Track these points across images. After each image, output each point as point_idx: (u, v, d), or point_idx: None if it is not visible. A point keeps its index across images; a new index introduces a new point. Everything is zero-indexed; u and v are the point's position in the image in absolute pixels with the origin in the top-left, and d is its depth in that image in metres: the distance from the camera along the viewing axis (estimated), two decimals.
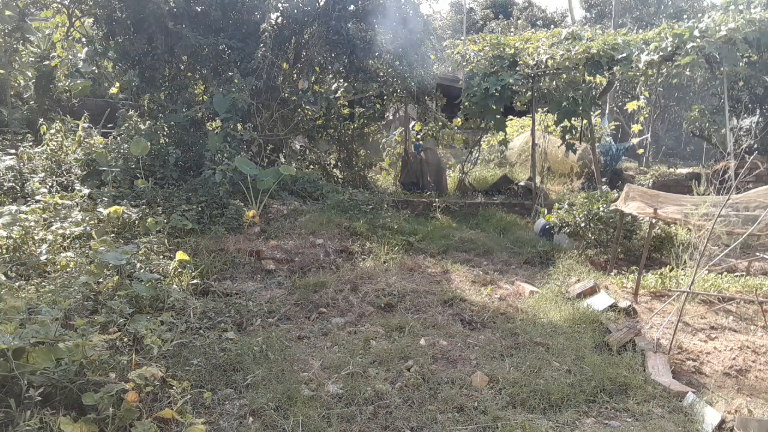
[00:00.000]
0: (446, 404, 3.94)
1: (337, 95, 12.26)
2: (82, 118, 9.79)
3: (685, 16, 14.90)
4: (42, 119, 10.11)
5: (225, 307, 5.37)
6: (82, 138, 9.33)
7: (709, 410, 3.90)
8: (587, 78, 10.49)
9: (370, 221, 8.54)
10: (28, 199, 7.23)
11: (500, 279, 7.08)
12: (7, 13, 9.14)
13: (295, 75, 10.94)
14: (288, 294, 6.01)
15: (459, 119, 13.12)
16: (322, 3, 10.44)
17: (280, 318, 5.42)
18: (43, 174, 8.33)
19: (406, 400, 3.97)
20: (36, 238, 5.85)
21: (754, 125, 11.23)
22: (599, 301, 5.97)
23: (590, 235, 8.04)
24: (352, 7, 10.68)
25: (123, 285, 4.96)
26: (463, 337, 5.15)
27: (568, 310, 5.76)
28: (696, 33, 9.09)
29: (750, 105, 11.95)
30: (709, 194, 7.02)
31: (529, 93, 11.76)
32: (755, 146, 9.91)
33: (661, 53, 9.31)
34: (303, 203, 9.09)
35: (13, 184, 7.67)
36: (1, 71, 9.47)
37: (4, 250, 5.48)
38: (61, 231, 6.08)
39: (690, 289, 5.20)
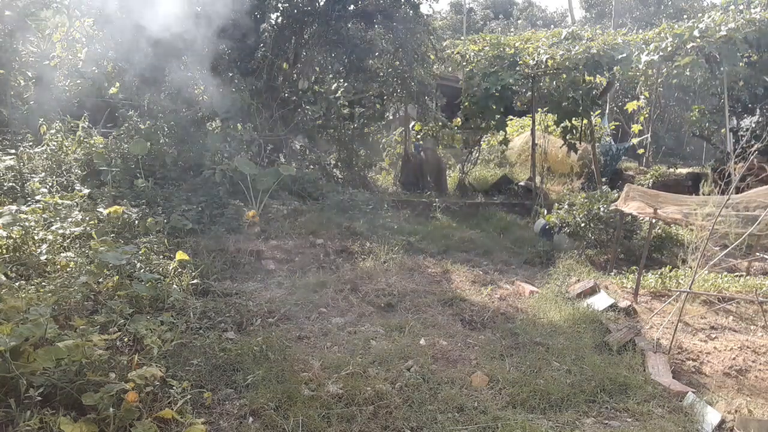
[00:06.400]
0: (446, 404, 3.94)
1: (337, 95, 12.26)
2: (82, 118, 9.78)
3: (685, 16, 14.91)
4: (42, 119, 10.09)
5: (225, 307, 5.36)
6: (82, 138, 9.31)
7: (709, 410, 3.91)
8: (587, 78, 10.49)
9: (370, 221, 8.53)
10: (28, 199, 7.21)
11: (500, 279, 7.08)
12: (7, 13, 9.12)
13: (295, 75, 10.94)
14: (288, 294, 6.00)
15: (459, 119, 13.12)
16: (322, 3, 10.45)
17: (280, 318, 5.41)
18: (43, 174, 8.32)
19: (406, 400, 3.97)
20: (36, 238, 5.84)
21: (754, 125, 11.20)
22: (599, 301, 5.97)
23: (590, 235, 8.04)
24: (352, 7, 10.68)
25: (123, 285, 4.96)
26: (463, 337, 5.15)
27: (568, 310, 5.76)
28: (696, 33, 9.10)
29: (750, 105, 11.91)
30: (709, 194, 7.02)
31: (529, 93, 11.77)
32: (760, 147, 9.85)
33: (661, 53, 9.32)
34: (303, 203, 9.08)
35: (13, 184, 7.65)
36: (1, 71, 9.45)
37: (4, 250, 5.47)
38: (61, 231, 6.06)
39: (690, 289, 5.21)
